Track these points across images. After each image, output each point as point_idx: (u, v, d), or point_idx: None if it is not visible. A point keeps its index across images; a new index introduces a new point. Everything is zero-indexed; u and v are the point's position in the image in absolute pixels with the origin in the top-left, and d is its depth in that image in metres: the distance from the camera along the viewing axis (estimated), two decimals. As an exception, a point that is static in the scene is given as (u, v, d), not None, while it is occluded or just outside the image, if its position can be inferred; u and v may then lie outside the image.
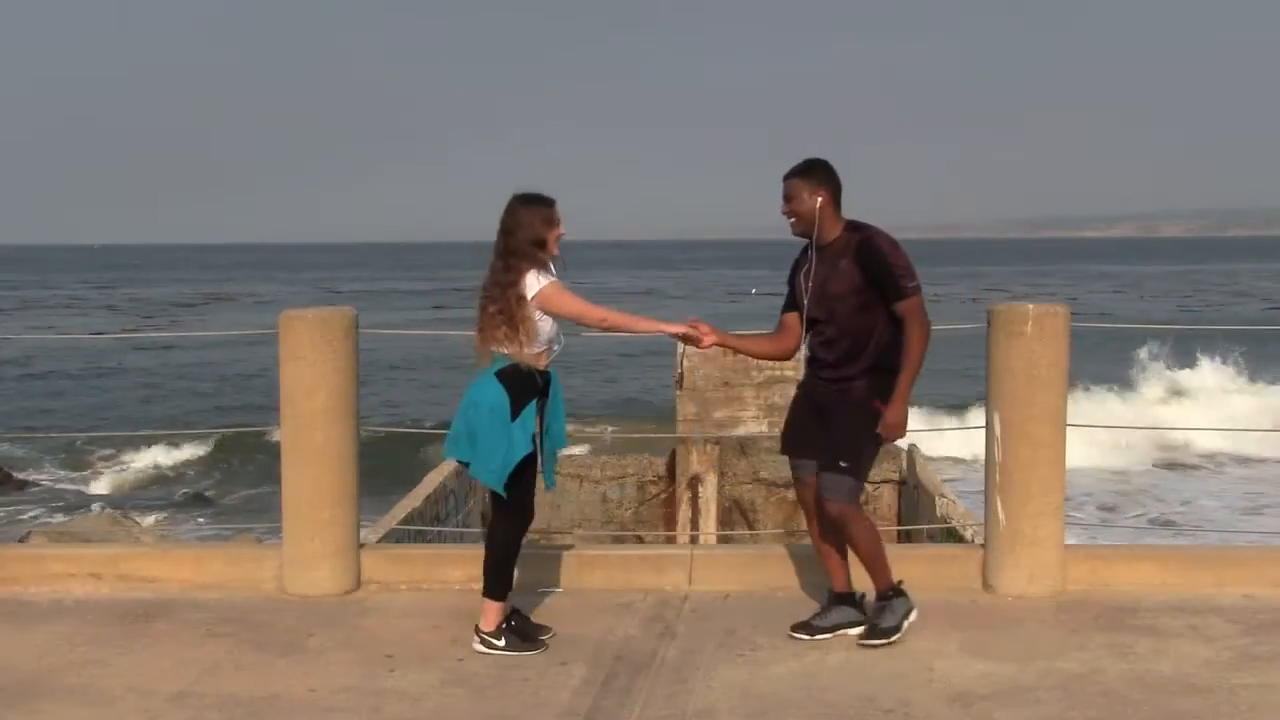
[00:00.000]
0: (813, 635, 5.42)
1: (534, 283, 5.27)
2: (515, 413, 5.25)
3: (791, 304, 5.56)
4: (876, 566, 5.45)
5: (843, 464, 5.32)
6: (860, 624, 5.49)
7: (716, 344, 5.68)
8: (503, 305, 5.28)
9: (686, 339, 5.59)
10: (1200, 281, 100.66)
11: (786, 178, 5.40)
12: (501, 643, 5.30)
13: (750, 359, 14.40)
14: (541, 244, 5.32)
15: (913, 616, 5.41)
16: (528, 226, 5.30)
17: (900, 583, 5.48)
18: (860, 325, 5.30)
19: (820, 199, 5.34)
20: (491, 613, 5.35)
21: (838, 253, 5.33)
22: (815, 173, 5.37)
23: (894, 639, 5.33)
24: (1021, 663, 5.12)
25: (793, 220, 5.41)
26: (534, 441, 5.29)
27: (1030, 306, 6.06)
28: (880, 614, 5.41)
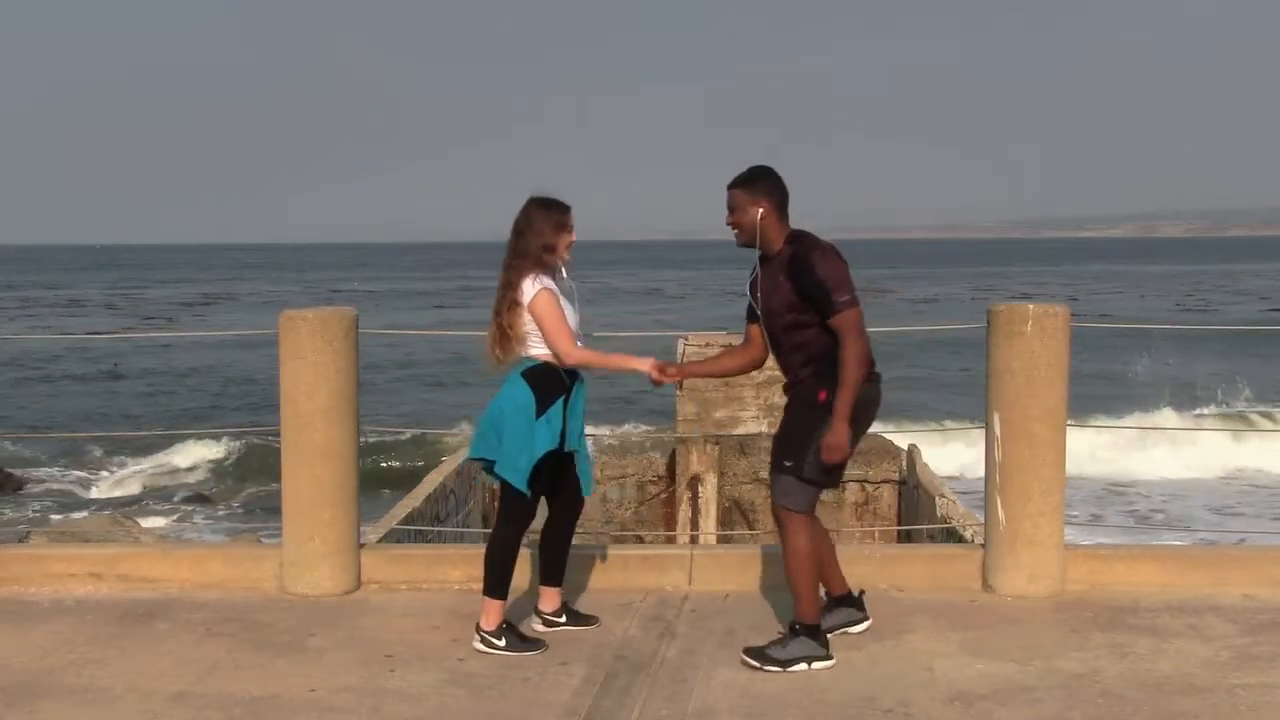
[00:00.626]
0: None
1: (530, 288, 5.30)
2: (541, 410, 5.30)
3: (754, 314, 5.40)
4: (800, 590, 5.14)
5: (786, 463, 5.13)
6: (862, 620, 5.47)
7: (683, 378, 5.59)
8: (500, 308, 5.35)
9: (652, 380, 5.47)
10: (1200, 281, 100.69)
11: (729, 188, 5.25)
12: (502, 642, 5.31)
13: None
14: (551, 249, 5.36)
15: (818, 665, 5.04)
16: (539, 230, 5.35)
17: (821, 628, 5.16)
18: (803, 339, 5.13)
19: (761, 210, 5.16)
20: (492, 611, 5.36)
21: (778, 267, 5.18)
22: (756, 183, 5.21)
23: (772, 670, 5.01)
24: (1021, 663, 5.13)
25: (736, 232, 5.27)
26: (559, 439, 5.32)
27: (1030, 306, 6.07)
28: (776, 643, 5.11)
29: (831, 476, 5.19)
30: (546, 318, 5.30)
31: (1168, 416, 28.98)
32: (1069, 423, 6.09)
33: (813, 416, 5.09)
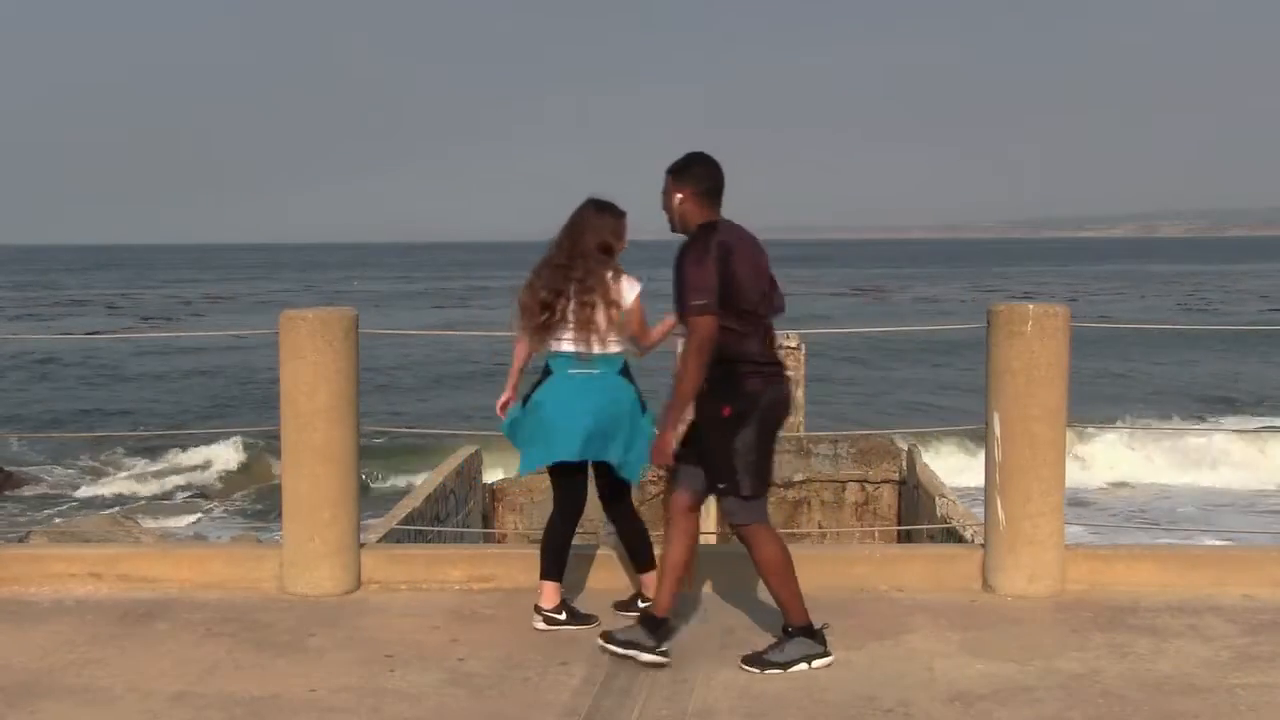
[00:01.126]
0: (606, 644, 5.19)
1: (630, 288, 5.51)
2: (644, 406, 5.58)
3: None
4: (781, 597, 5.14)
5: (720, 486, 5.11)
6: (649, 650, 5.12)
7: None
8: (599, 304, 5.45)
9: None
10: (1201, 281, 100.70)
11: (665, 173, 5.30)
12: (563, 616, 5.55)
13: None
14: (610, 251, 5.51)
15: (818, 663, 5.04)
16: (598, 232, 5.50)
17: (818, 626, 5.14)
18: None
19: (680, 196, 5.18)
20: (549, 591, 5.60)
21: None
22: (681, 170, 5.21)
23: (771, 673, 4.99)
24: (1021, 663, 5.13)
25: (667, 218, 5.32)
26: None
27: (1030, 306, 6.07)
28: (774, 648, 5.10)
29: (768, 481, 5.18)
30: (638, 317, 5.55)
31: (1167, 418, 28.98)
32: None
33: (724, 433, 5.07)
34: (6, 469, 24.29)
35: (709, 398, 5.09)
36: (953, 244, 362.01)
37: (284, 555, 6.22)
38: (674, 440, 5.10)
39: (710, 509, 14.54)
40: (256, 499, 22.71)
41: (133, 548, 7.76)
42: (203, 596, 6.13)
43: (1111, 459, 23.36)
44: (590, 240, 5.46)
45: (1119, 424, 24.95)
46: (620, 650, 5.14)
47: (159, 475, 25.02)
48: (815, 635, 5.13)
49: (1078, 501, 19.90)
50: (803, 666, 5.04)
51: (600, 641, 5.23)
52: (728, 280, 5.01)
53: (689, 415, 5.17)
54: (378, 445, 23.35)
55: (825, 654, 5.11)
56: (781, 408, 5.19)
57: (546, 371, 5.59)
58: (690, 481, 5.24)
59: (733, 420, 5.05)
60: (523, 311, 5.54)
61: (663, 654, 5.10)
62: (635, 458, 5.55)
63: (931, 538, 11.60)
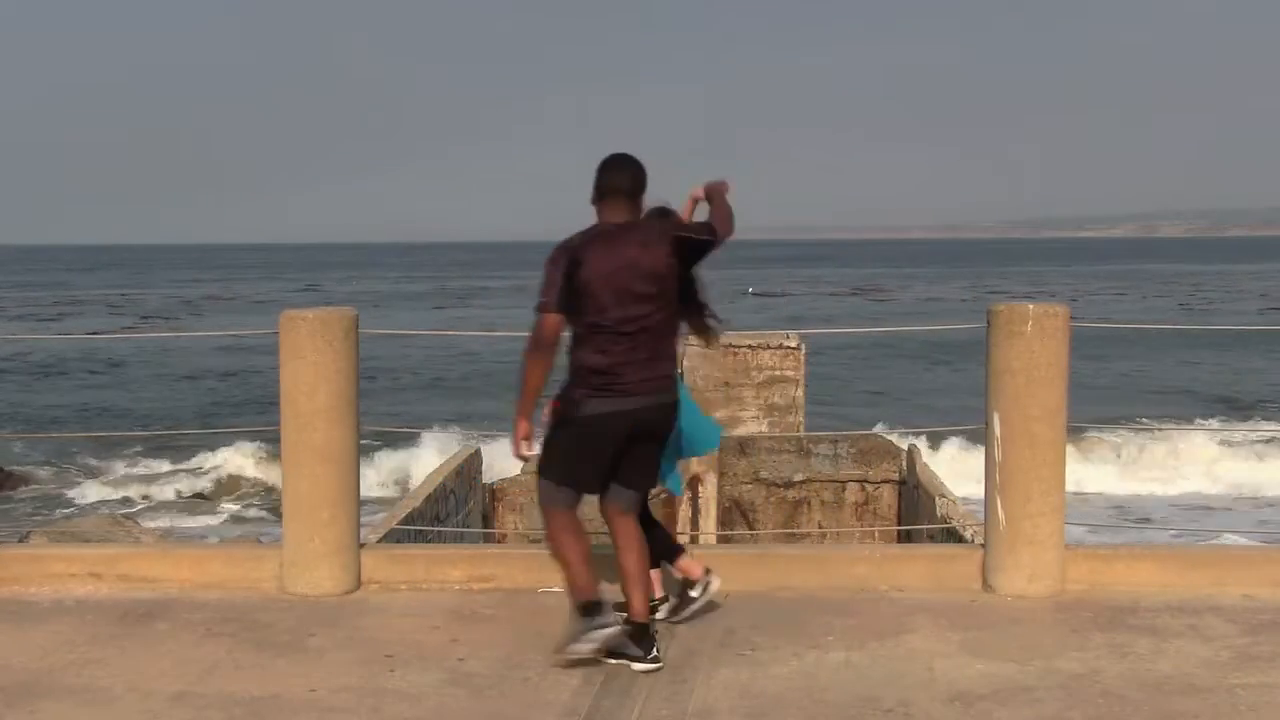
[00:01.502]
0: (595, 654, 5.14)
1: None
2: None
3: None
4: (566, 578, 5.24)
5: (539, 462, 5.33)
6: (639, 660, 5.09)
7: None
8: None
9: None
10: (1201, 282, 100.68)
11: None
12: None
13: (749, 360, 14.45)
14: None
15: (596, 636, 5.02)
16: None
17: (594, 604, 5.09)
18: None
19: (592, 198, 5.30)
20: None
21: None
22: (596, 172, 5.28)
23: (567, 655, 5.06)
24: (1021, 663, 5.13)
25: None
26: None
27: (1030, 306, 6.07)
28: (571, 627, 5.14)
29: (577, 485, 5.24)
30: None
31: (1167, 418, 28.96)
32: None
33: (556, 421, 5.23)
34: (6, 469, 24.29)
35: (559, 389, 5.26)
36: (953, 244, 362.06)
37: (284, 555, 6.22)
38: (527, 431, 5.20)
39: (709, 510, 14.49)
40: (256, 499, 22.72)
41: (133, 548, 7.76)
42: (203, 596, 6.13)
43: (1113, 459, 23.36)
44: None
45: (1119, 424, 24.94)
46: (610, 660, 5.11)
47: (159, 475, 25.02)
48: (592, 609, 5.08)
49: (1078, 502, 19.89)
50: (582, 647, 5.02)
51: (568, 652, 5.18)
52: (572, 285, 5.06)
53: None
54: (378, 445, 23.35)
55: (605, 625, 5.04)
56: (603, 424, 5.14)
57: None
58: (611, 490, 5.32)
59: (561, 415, 5.21)
60: None
61: (654, 660, 5.08)
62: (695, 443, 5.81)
63: (931, 538, 11.59)
